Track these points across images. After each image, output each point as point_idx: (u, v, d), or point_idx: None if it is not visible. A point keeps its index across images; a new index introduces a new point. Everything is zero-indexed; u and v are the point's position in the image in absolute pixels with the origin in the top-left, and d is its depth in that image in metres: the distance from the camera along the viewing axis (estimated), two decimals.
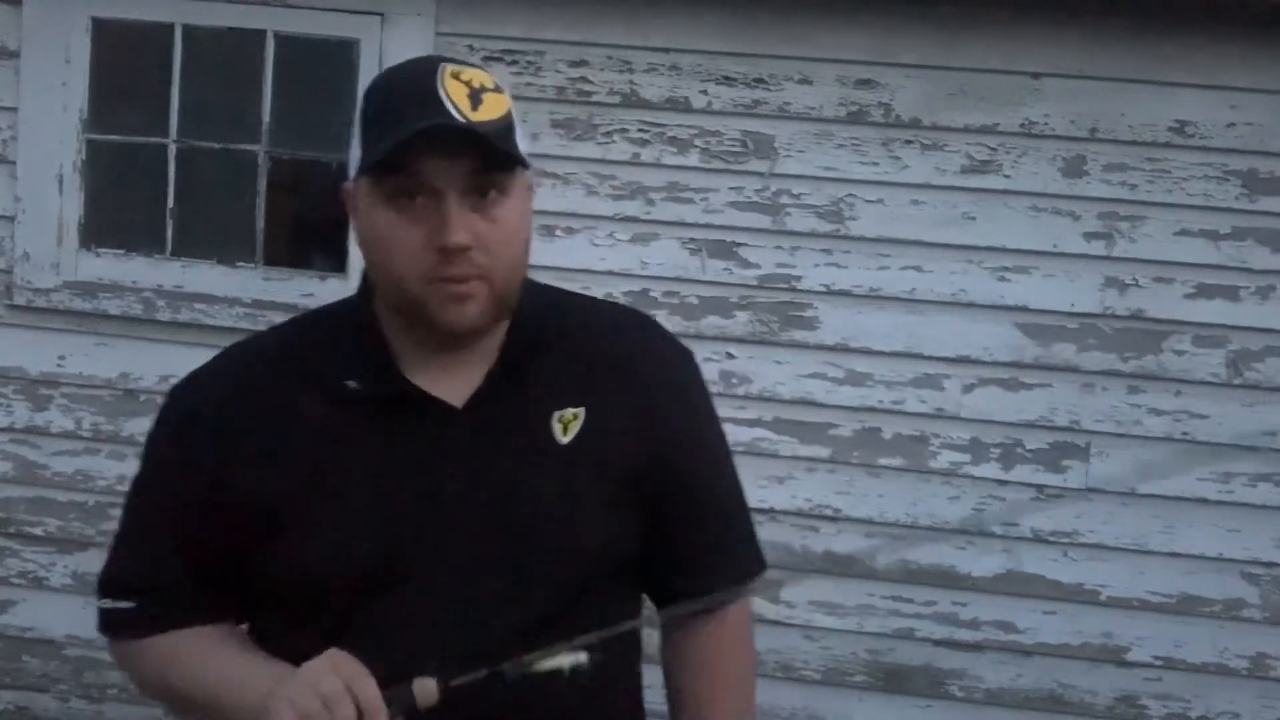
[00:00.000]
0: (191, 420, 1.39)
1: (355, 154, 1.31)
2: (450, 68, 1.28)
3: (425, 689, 1.21)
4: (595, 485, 1.36)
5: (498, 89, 1.29)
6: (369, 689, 1.20)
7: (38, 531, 3.57)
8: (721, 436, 1.52)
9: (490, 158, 1.26)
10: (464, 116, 1.24)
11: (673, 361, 1.48)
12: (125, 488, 3.83)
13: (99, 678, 3.59)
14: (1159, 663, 3.34)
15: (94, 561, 3.53)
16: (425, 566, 1.31)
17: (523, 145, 1.32)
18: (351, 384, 1.33)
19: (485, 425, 1.34)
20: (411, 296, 1.29)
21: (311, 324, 1.45)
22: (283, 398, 1.35)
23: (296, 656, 1.29)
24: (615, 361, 1.41)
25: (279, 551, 1.33)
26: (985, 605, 3.36)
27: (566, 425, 1.36)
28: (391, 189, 1.26)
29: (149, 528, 1.44)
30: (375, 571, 1.31)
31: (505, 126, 1.27)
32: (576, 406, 1.36)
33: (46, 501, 3.57)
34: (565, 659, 1.22)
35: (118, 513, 3.84)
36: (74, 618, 3.58)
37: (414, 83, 1.27)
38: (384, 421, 1.33)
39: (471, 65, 1.31)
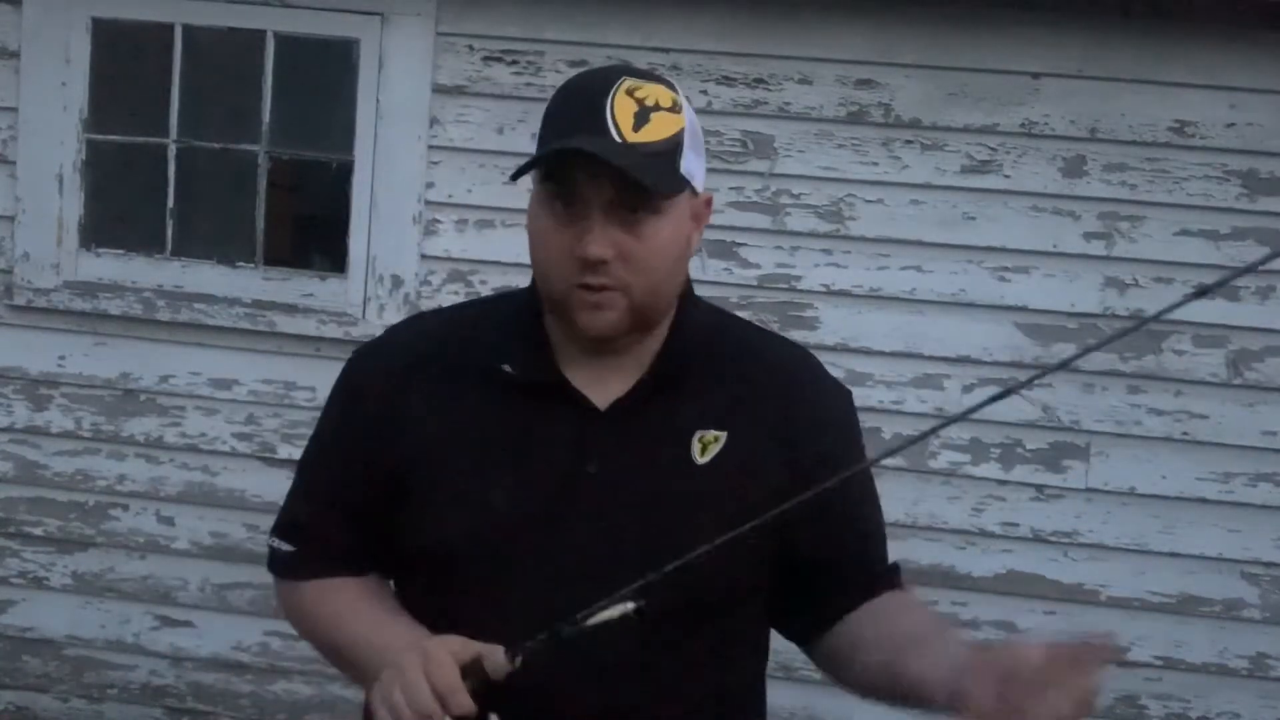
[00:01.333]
0: (363, 383, 1.46)
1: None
2: (629, 83, 1.32)
3: (495, 661, 1.25)
4: (724, 511, 1.34)
5: (674, 108, 1.33)
6: (445, 676, 1.23)
7: (38, 531, 3.57)
8: (869, 480, 1.51)
9: (636, 183, 1.29)
10: (621, 137, 1.29)
11: (828, 399, 1.49)
12: (125, 488, 3.85)
13: (99, 678, 3.59)
14: (1159, 663, 3.34)
15: (94, 561, 3.56)
16: (546, 555, 1.34)
17: (694, 165, 1.34)
18: (505, 368, 1.39)
19: (625, 431, 1.37)
20: (554, 294, 1.35)
21: (487, 306, 1.54)
22: (446, 372, 1.41)
23: (428, 618, 1.36)
24: (768, 392, 1.43)
25: (417, 517, 1.39)
26: (985, 605, 3.36)
27: (706, 446, 1.38)
28: (549, 193, 1.33)
29: (316, 479, 1.50)
30: (497, 552, 1.35)
31: (665, 150, 1.31)
32: (720, 429, 1.38)
33: (46, 501, 3.57)
34: (615, 610, 1.23)
35: (117, 513, 3.87)
36: (74, 618, 3.58)
37: (588, 93, 1.33)
38: (531, 409, 1.38)
39: (657, 81, 1.35)
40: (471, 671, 1.25)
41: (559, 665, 1.29)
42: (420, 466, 1.39)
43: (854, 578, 1.45)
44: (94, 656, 3.59)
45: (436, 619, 1.35)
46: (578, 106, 1.32)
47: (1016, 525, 3.34)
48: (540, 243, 1.35)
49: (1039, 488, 3.32)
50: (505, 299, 1.52)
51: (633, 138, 1.29)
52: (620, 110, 1.30)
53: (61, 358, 3.53)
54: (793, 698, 3.37)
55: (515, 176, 1.34)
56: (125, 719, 3.59)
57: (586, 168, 1.28)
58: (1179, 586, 3.32)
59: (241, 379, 3.47)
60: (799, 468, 1.39)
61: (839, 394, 1.51)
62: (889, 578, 1.48)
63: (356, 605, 1.44)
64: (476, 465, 1.38)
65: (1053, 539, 3.34)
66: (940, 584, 3.35)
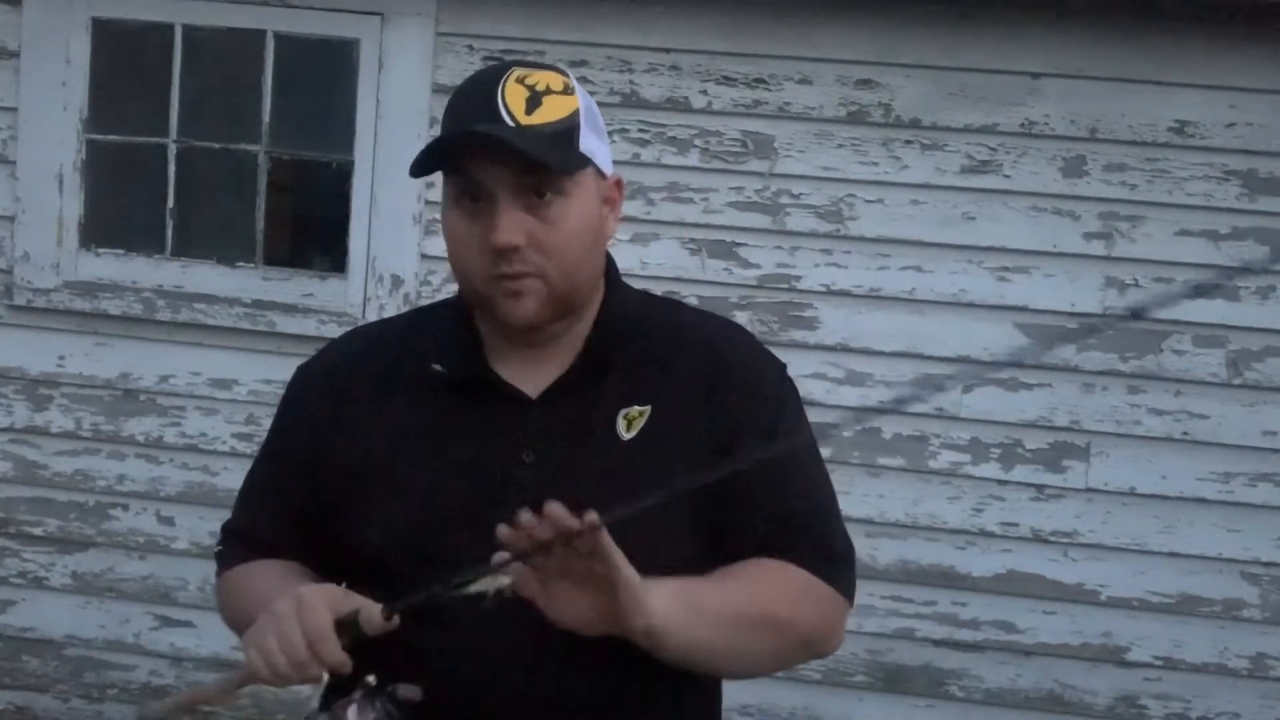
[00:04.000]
0: (304, 395, 1.49)
1: None
2: (519, 71, 1.34)
3: (370, 615, 1.24)
4: (652, 484, 1.30)
5: (566, 91, 1.34)
6: (317, 622, 1.24)
7: (38, 531, 3.57)
8: (811, 451, 1.46)
9: (534, 163, 1.30)
10: (514, 120, 1.30)
11: (758, 371, 1.46)
12: (125, 488, 3.85)
13: (99, 678, 3.59)
14: (1159, 663, 3.34)
15: (94, 561, 3.57)
16: (483, 548, 1.29)
17: (594, 145, 1.35)
18: (436, 367, 1.41)
19: (556, 417, 1.38)
20: (475, 290, 1.37)
21: (420, 313, 1.56)
22: (382, 379, 1.44)
23: None
24: (694, 364, 1.42)
25: (357, 520, 1.40)
26: (985, 605, 3.36)
27: (631, 422, 1.39)
28: (456, 190, 1.35)
29: (257, 488, 1.55)
30: (435, 548, 1.34)
31: (561, 130, 1.32)
32: (644, 405, 1.39)
33: (46, 501, 3.57)
34: (489, 583, 1.21)
35: (117, 513, 3.87)
36: (74, 618, 3.58)
37: (478, 86, 1.34)
38: (464, 406, 1.40)
39: (548, 68, 1.36)
40: (347, 626, 1.24)
41: (485, 650, 1.32)
42: (360, 471, 1.40)
43: (757, 537, 1.39)
44: (94, 656, 3.59)
45: None
46: (470, 99, 1.34)
47: (1016, 525, 3.34)
48: (454, 239, 1.36)
49: (1039, 488, 3.32)
50: (438, 305, 1.54)
51: (526, 120, 1.30)
52: (511, 96, 1.31)
53: (61, 358, 3.53)
54: (793, 698, 3.38)
55: (414, 171, 1.36)
56: (125, 719, 3.59)
57: (485, 155, 1.30)
58: (1179, 586, 3.32)
59: (241, 379, 3.47)
60: (717, 435, 1.38)
61: (769, 365, 1.48)
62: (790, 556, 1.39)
63: (268, 573, 1.46)
64: (414, 465, 1.39)
65: (1053, 539, 3.33)
66: (940, 584, 3.35)
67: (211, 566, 1.61)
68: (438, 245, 3.39)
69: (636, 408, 1.39)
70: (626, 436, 1.38)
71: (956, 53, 3.25)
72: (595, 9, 3.30)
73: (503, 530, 1.18)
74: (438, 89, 3.35)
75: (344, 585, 1.42)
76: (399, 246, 3.39)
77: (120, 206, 3.60)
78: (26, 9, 3.44)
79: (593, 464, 1.37)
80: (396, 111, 3.35)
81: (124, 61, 3.55)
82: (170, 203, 3.51)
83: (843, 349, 3.32)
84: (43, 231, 3.50)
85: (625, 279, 1.48)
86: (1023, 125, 3.25)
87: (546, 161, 1.30)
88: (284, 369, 3.78)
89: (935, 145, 3.28)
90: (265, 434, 1.57)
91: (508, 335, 1.40)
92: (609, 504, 1.27)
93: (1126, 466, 3.29)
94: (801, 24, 3.27)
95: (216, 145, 3.52)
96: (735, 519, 1.38)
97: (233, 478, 3.53)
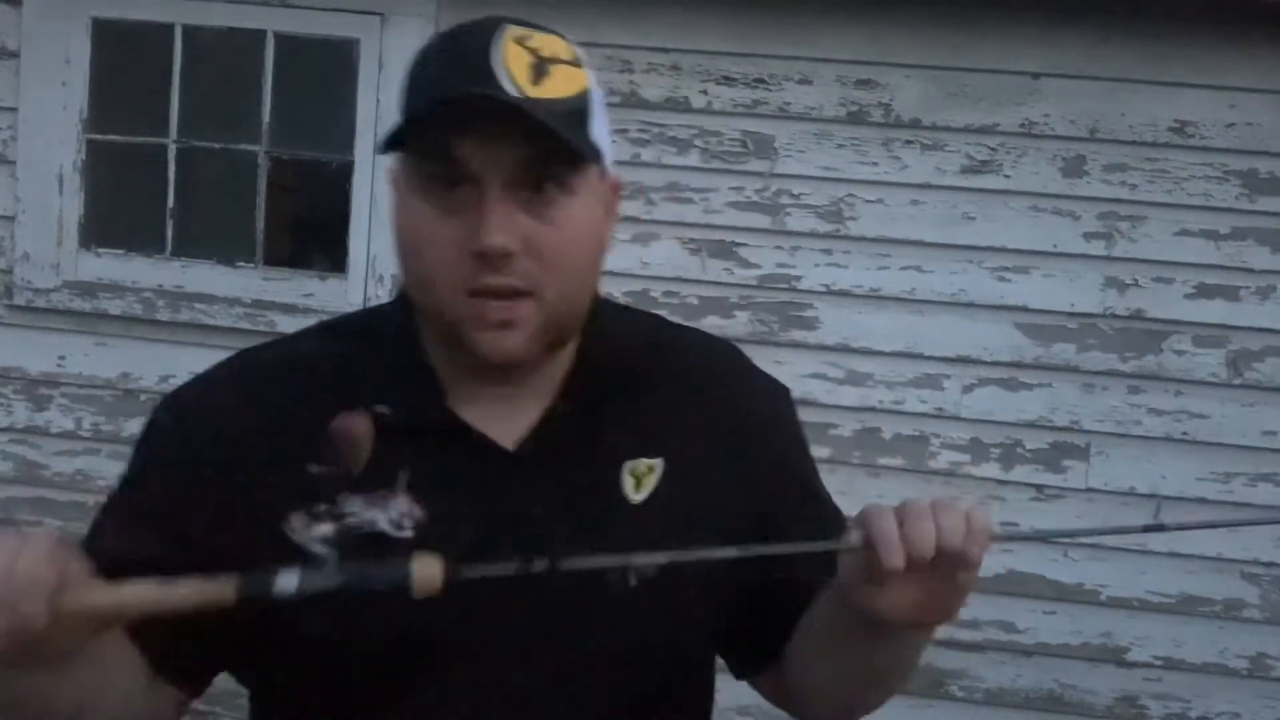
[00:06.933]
0: (195, 427, 1.12)
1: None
2: (516, 31, 1.03)
3: (427, 570, 0.95)
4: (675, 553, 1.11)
5: (575, 62, 1.06)
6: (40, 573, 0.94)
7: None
8: (814, 482, 1.27)
9: (545, 145, 1.00)
10: (518, 90, 0.99)
11: (770, 401, 1.25)
12: None
13: None
14: (1159, 663, 3.34)
15: None
16: (461, 644, 1.07)
17: (603, 135, 1.08)
18: (382, 409, 1.09)
19: (541, 474, 1.09)
20: (442, 312, 1.05)
21: (339, 334, 1.21)
22: (302, 420, 1.10)
23: None
24: (704, 403, 1.17)
25: (299, 606, 0.99)
26: (985, 605, 3.36)
27: (640, 479, 1.12)
28: (428, 175, 1.03)
29: (122, 544, 1.21)
30: (402, 646, 1.06)
31: (574, 109, 1.03)
32: (653, 457, 1.13)
33: (46, 501, 3.57)
34: (643, 560, 1.06)
35: None
36: None
37: (465, 44, 1.02)
38: (420, 460, 1.08)
39: (548, 31, 1.06)
40: (385, 575, 0.96)
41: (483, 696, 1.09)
42: (279, 540, 1.06)
43: (808, 588, 1.17)
44: None
45: None
46: (454, 59, 1.02)
47: (1016, 525, 3.33)
48: (416, 240, 1.03)
49: (1039, 488, 3.32)
50: (365, 325, 1.21)
51: (533, 92, 1.00)
52: (513, 60, 1.00)
53: (61, 358, 3.53)
54: None
55: (385, 148, 1.04)
56: None
57: (475, 131, 0.99)
58: (1179, 586, 3.32)
59: None
60: (751, 480, 1.17)
61: (777, 391, 1.26)
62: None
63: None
64: None
65: (1053, 539, 3.33)
66: None
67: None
68: None
69: (645, 461, 1.12)
70: (636, 497, 1.11)
71: (956, 53, 3.25)
72: (595, 9, 3.30)
73: (883, 535, 1.00)
74: None
75: (280, 693, 1.19)
76: None
77: (120, 206, 3.60)
78: (26, 9, 3.44)
79: (594, 532, 1.08)
80: (396, 112, 3.35)
81: (124, 61, 3.55)
82: (170, 203, 3.51)
83: (843, 349, 3.32)
84: (43, 231, 3.50)
85: (626, 278, 1.39)
86: (1023, 125, 3.26)
87: (567, 139, 1.00)
88: None
89: (935, 145, 3.28)
90: (125, 472, 1.25)
91: (474, 370, 1.08)
92: (616, 592, 1.07)
93: (1126, 466, 3.29)
94: (801, 24, 3.27)
95: (216, 145, 3.52)
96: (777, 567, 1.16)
97: None
